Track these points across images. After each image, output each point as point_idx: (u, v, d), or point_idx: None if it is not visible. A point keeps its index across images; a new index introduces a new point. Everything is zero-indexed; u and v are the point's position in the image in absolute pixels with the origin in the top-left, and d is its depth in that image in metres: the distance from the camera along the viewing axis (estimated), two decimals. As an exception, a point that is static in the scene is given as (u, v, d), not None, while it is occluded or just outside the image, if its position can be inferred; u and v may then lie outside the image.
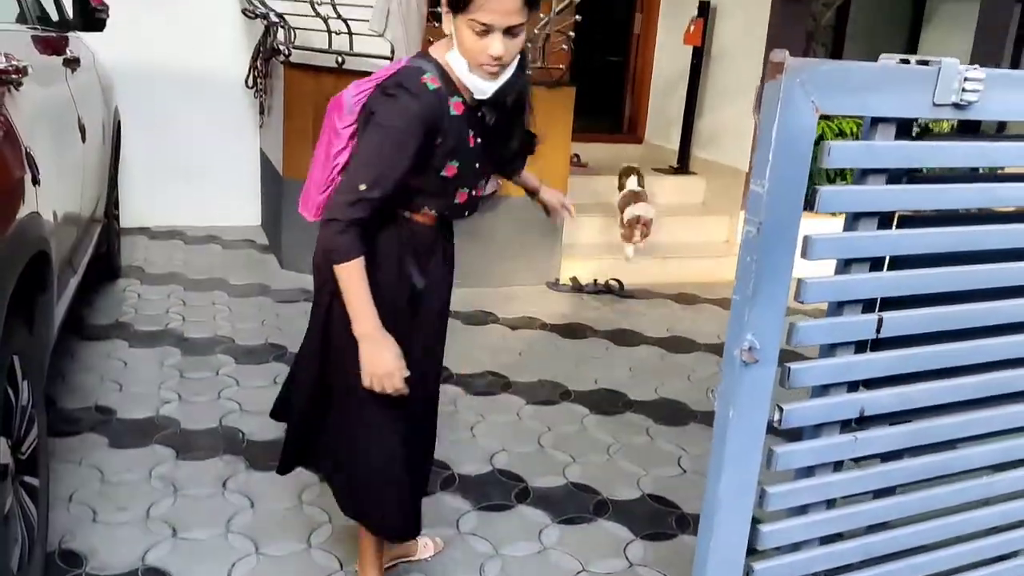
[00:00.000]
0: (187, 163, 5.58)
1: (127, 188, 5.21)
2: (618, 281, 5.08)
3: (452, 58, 1.82)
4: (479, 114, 1.90)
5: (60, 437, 2.89)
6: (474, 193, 1.99)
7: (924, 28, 6.67)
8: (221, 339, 3.85)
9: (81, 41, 3.79)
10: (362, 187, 1.78)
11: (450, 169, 1.88)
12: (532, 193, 2.37)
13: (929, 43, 6.65)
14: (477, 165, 1.94)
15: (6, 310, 1.80)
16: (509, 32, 1.74)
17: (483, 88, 1.82)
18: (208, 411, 3.19)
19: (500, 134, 1.94)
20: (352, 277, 1.82)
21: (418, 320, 2.03)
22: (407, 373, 1.86)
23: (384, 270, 1.92)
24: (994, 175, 1.58)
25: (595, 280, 5.09)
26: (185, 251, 5.19)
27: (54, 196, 2.43)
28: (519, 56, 1.87)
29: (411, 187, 1.86)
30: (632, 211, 5.14)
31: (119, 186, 4.74)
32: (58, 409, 3.09)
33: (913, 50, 6.71)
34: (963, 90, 1.31)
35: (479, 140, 1.92)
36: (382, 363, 1.83)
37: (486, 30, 1.73)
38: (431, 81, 1.80)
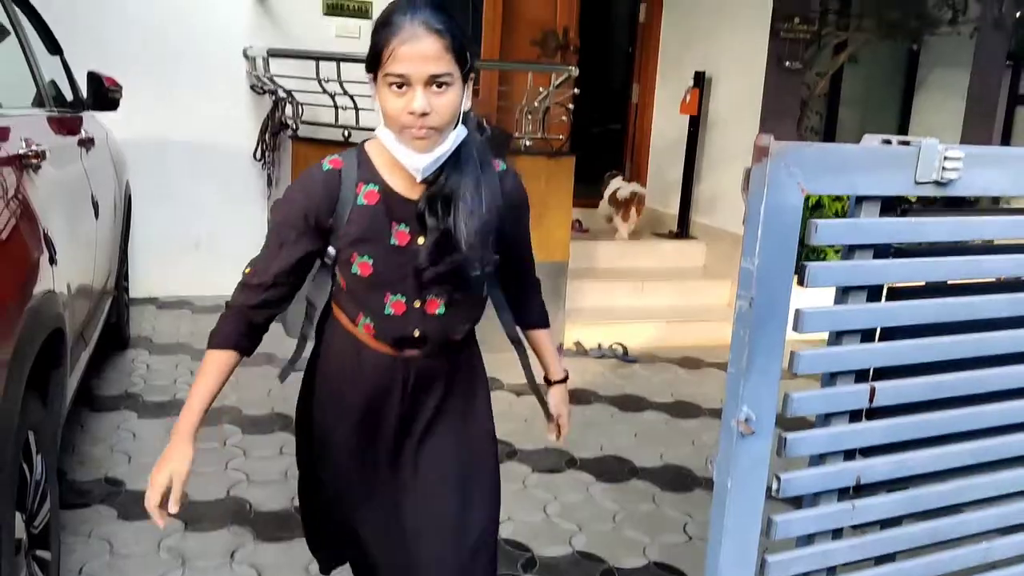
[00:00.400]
0: (195, 234, 5.69)
1: (136, 259, 5.30)
2: (622, 345, 5.12)
3: (382, 134, 1.59)
4: (419, 206, 1.63)
5: (70, 509, 2.91)
6: (418, 306, 1.67)
7: (917, 94, 6.81)
8: (227, 409, 3.88)
9: (95, 119, 3.91)
10: (247, 270, 1.67)
11: (363, 267, 1.63)
12: (546, 380, 2.02)
13: (922, 110, 6.79)
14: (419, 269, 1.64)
15: (23, 388, 1.85)
16: (434, 84, 1.50)
17: (415, 161, 1.55)
18: (215, 482, 3.20)
19: (450, 235, 1.61)
20: (205, 366, 1.65)
21: (369, 464, 1.79)
22: (174, 508, 1.56)
23: (330, 383, 1.79)
24: (980, 247, 1.63)
25: (599, 344, 5.13)
26: (192, 321, 5.25)
27: (69, 273, 2.50)
28: (500, 168, 1.69)
29: (341, 286, 1.70)
30: (628, 189, 5.99)
31: (128, 257, 4.82)
32: (68, 481, 3.11)
33: (907, 117, 6.85)
34: (943, 168, 1.37)
35: (418, 238, 1.64)
36: (159, 472, 1.57)
37: (404, 83, 1.50)
38: (329, 162, 1.64)
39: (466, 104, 1.59)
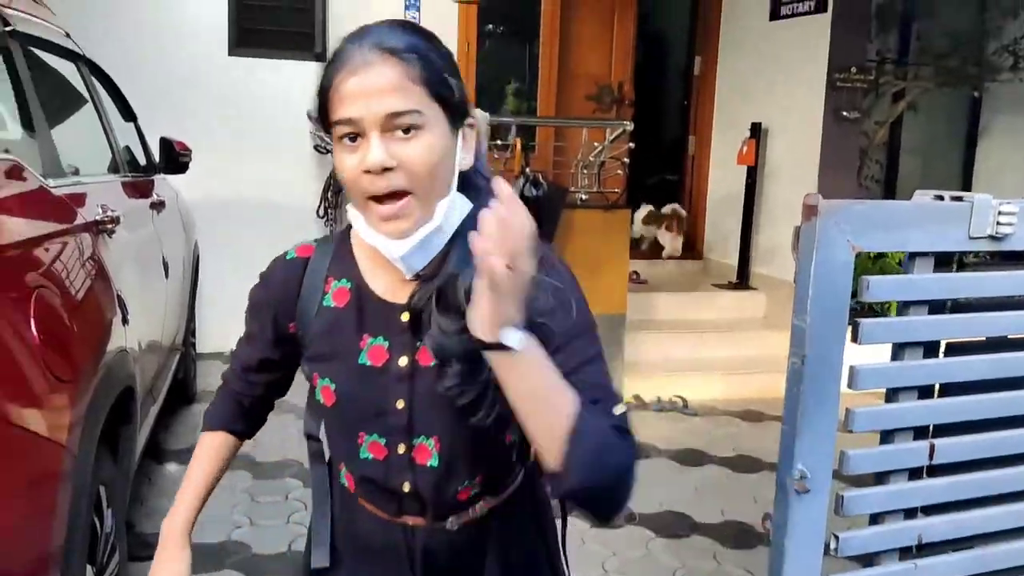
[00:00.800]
0: (260, 290, 5.83)
1: (203, 315, 5.44)
2: (682, 398, 5.07)
3: (351, 214, 1.16)
4: (407, 313, 1.16)
5: (137, 562, 2.97)
6: (402, 452, 1.19)
7: (980, 141, 6.70)
8: (290, 462, 3.93)
9: (166, 181, 4.07)
10: (232, 349, 1.41)
11: (325, 392, 1.21)
12: None
13: (987, 156, 6.68)
14: (398, 404, 1.17)
15: (96, 443, 1.92)
16: (398, 129, 1.05)
17: (393, 249, 1.10)
18: (278, 535, 3.25)
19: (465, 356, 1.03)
20: (197, 451, 1.37)
21: None
22: None
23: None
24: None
25: (659, 397, 5.09)
26: (257, 375, 5.35)
27: (139, 332, 2.60)
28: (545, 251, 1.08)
29: (325, 422, 1.31)
30: (669, 206, 6.50)
31: (196, 314, 4.96)
32: (135, 533, 3.18)
33: (971, 164, 6.73)
34: (998, 223, 1.36)
35: (400, 358, 1.18)
36: None
37: (356, 133, 1.06)
38: (296, 249, 1.26)
39: (465, 161, 1.14)
